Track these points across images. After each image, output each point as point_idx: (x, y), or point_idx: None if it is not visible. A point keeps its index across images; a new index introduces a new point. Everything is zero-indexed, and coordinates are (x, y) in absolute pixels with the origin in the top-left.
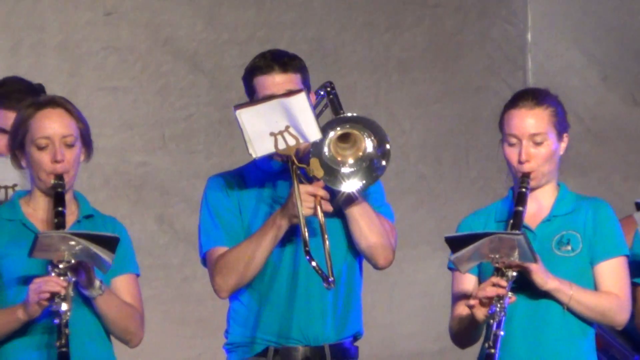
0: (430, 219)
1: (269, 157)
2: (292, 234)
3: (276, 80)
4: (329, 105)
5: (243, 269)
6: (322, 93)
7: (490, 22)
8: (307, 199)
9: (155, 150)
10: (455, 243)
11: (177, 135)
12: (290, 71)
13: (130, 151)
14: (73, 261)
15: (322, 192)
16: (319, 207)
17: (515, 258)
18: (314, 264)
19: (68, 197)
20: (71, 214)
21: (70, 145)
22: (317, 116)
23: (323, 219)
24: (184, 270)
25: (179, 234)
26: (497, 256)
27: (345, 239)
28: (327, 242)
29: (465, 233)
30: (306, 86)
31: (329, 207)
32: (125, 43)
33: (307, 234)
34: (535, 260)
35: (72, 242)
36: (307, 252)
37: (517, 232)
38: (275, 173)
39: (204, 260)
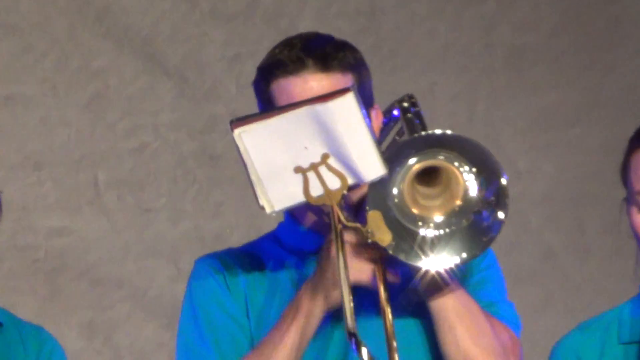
0: (562, 322)
1: (295, 215)
2: (333, 326)
3: (311, 86)
4: (406, 130)
5: None
6: (395, 113)
7: None
8: (358, 263)
9: (81, 207)
10: None
11: (120, 180)
12: (335, 69)
13: (37, 210)
14: None
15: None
16: (378, 274)
17: None
18: None
19: None
20: None
21: None
22: (381, 141)
23: (386, 300)
24: None
25: (122, 353)
26: None
27: (428, 351)
28: (395, 355)
29: None
30: (365, 97)
31: (395, 278)
32: (31, 20)
33: (355, 329)
34: None
35: None
36: None
37: None
38: (307, 253)
39: None
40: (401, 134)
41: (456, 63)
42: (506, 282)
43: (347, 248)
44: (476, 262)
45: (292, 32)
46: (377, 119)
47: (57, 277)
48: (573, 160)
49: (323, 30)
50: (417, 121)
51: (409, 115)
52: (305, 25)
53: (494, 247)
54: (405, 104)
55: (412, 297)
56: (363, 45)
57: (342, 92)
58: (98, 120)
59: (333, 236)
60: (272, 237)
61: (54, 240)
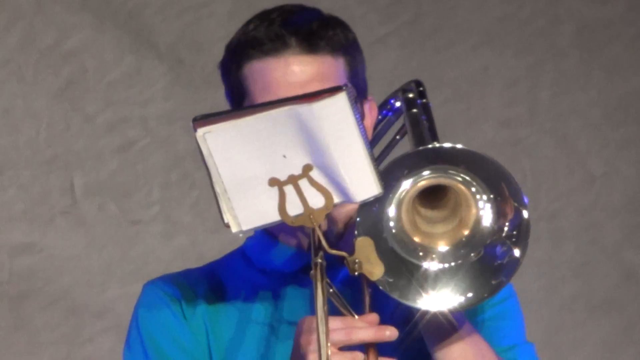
0: None
1: (268, 229)
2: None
3: (293, 70)
4: (409, 131)
5: None
6: (396, 104)
7: None
8: (340, 338)
9: (53, 218)
10: None
11: (101, 185)
12: (323, 51)
13: None
14: None
15: (374, 332)
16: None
17: None
18: None
19: None
20: None
21: None
22: (375, 138)
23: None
24: None
25: None
26: None
27: None
28: None
29: None
30: (358, 87)
31: (392, 334)
32: None
33: None
34: None
35: None
36: None
37: None
38: (285, 275)
39: None
40: (403, 133)
41: (514, 41)
42: (577, 310)
43: (332, 319)
44: (496, 305)
45: (314, 3)
46: (371, 113)
47: (24, 303)
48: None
49: (351, 1)
50: (423, 117)
51: (414, 110)
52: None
53: (558, 269)
54: (411, 95)
55: (411, 345)
56: (398, 19)
57: (332, 91)
58: (74, 111)
59: (313, 270)
60: (240, 255)
61: (20, 258)
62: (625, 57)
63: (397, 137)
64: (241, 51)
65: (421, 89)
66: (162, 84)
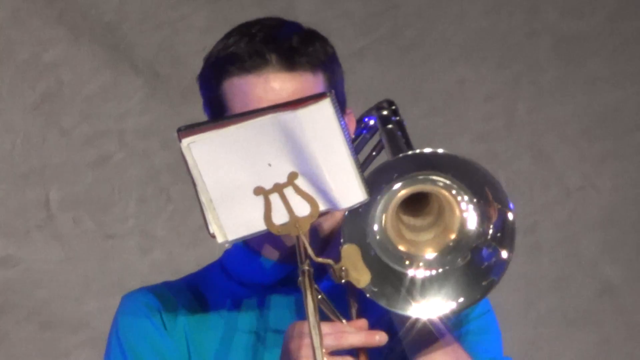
0: None
1: (245, 246)
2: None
3: (273, 87)
4: (386, 145)
5: None
6: (370, 123)
7: None
8: (331, 343)
9: (29, 232)
10: None
11: (77, 199)
12: (303, 68)
13: None
14: None
15: (365, 337)
16: None
17: None
18: None
19: None
20: None
21: None
22: (355, 153)
23: None
24: None
25: None
26: None
27: None
28: None
29: None
30: (337, 100)
31: (382, 339)
32: None
33: None
34: None
35: None
36: None
37: None
38: (267, 286)
39: None
40: (379, 149)
41: (492, 55)
42: (555, 323)
43: (324, 323)
44: (476, 311)
45: (290, 16)
46: (350, 126)
47: (0, 317)
48: (635, 175)
49: (327, 14)
50: (399, 133)
51: (390, 126)
52: (306, 7)
53: (535, 283)
54: (385, 112)
55: (395, 352)
56: (376, 33)
57: (316, 97)
58: (50, 125)
59: (301, 279)
60: (219, 267)
61: None
62: (602, 71)
63: (374, 153)
64: (221, 66)
65: (394, 107)
66: (138, 97)
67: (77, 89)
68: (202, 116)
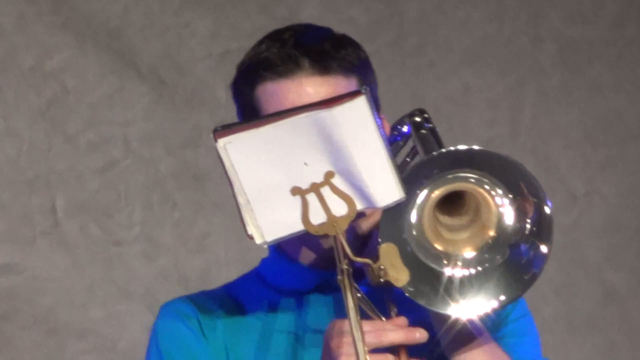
0: None
1: (282, 247)
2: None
3: (307, 92)
4: (420, 149)
5: None
6: (404, 129)
7: None
8: (372, 340)
9: (34, 239)
10: None
11: (83, 205)
12: (335, 71)
13: None
14: None
15: (405, 334)
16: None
17: None
18: None
19: None
20: None
21: None
22: (394, 155)
23: None
24: None
25: None
26: None
27: None
28: None
29: None
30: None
31: (422, 336)
32: None
33: None
34: None
35: None
36: None
37: None
38: (304, 292)
39: None
40: (413, 155)
41: (496, 61)
42: (560, 330)
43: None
44: (505, 311)
45: (294, 22)
46: (385, 130)
47: (6, 324)
48: None
49: (332, 20)
50: (432, 138)
51: (423, 131)
52: (309, 13)
53: (540, 289)
54: (418, 119)
55: (434, 354)
56: (380, 40)
57: (351, 95)
58: (55, 132)
59: (340, 278)
60: (255, 276)
61: (1, 279)
62: (606, 77)
63: (407, 159)
64: (254, 72)
65: (426, 115)
66: (143, 104)
67: (82, 95)
68: (207, 122)
